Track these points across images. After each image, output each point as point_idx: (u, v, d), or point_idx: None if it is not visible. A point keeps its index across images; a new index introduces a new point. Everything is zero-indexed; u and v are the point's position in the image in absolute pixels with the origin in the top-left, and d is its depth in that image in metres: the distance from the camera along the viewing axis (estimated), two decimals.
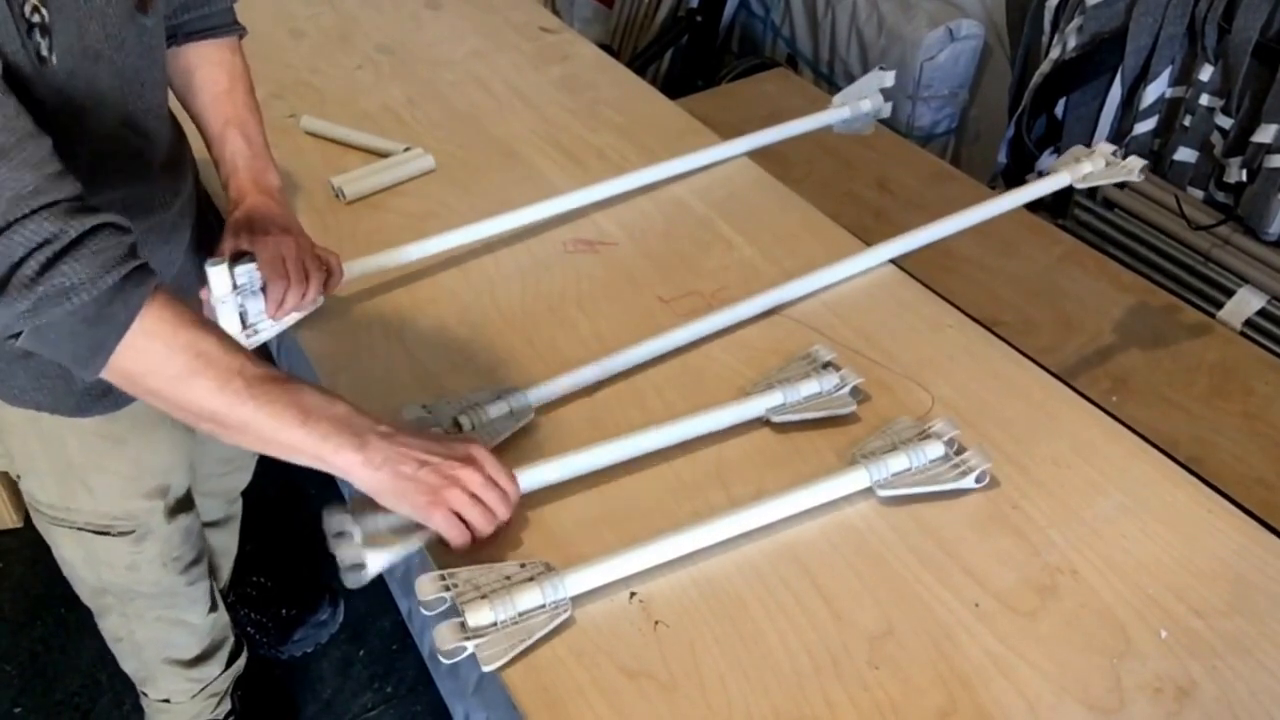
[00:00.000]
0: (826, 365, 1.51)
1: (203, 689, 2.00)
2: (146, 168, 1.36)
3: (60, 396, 1.41)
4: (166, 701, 2.00)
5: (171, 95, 1.48)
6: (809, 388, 1.47)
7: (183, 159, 1.50)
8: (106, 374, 1.11)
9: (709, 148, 2.00)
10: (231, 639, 2.04)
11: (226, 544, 2.23)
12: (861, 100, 2.08)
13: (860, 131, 2.07)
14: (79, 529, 1.62)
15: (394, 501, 1.21)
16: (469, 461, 1.23)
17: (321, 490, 2.64)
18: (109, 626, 1.84)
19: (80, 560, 1.69)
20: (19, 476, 1.61)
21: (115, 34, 1.20)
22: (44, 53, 1.10)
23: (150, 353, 1.08)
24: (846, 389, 1.47)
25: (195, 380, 1.08)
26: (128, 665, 1.95)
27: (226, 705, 2.11)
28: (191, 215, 1.51)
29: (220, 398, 1.10)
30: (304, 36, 2.39)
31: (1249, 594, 1.28)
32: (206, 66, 1.52)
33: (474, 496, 1.23)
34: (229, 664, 2.04)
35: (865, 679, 1.18)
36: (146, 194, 1.37)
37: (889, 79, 2.03)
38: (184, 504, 1.72)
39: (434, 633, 1.18)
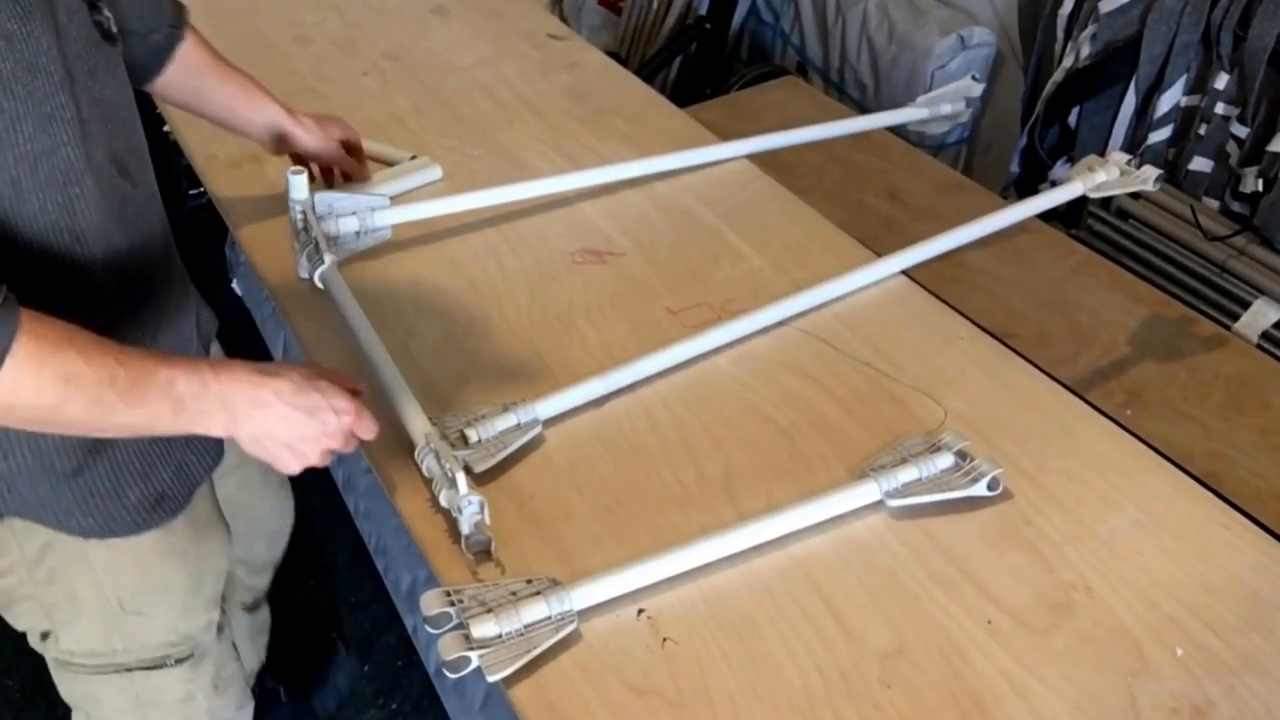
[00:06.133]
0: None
1: None
2: (142, 216, 1.32)
3: (111, 516, 1.34)
4: None
5: None
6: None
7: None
8: None
9: (718, 145, 2.02)
10: None
11: (265, 621, 2.09)
12: (942, 104, 2.17)
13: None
14: (127, 670, 1.52)
15: (260, 457, 1.22)
16: (334, 437, 1.23)
17: (337, 536, 2.63)
18: None
19: (126, 709, 1.57)
20: (49, 635, 1.48)
21: (84, 57, 1.16)
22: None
23: (20, 389, 1.01)
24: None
25: (68, 405, 1.04)
26: None
27: None
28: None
29: (95, 411, 1.06)
30: (310, 43, 2.38)
31: (1266, 611, 1.27)
32: (190, 57, 1.57)
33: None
34: None
35: (876, 698, 1.17)
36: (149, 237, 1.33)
37: (978, 89, 2.05)
38: (221, 610, 1.64)
39: (438, 643, 1.18)
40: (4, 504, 1.28)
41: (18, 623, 1.48)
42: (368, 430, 1.26)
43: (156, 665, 1.53)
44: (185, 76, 1.57)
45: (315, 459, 1.22)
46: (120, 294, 1.26)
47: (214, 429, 1.14)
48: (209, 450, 1.44)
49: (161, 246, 1.36)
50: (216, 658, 1.63)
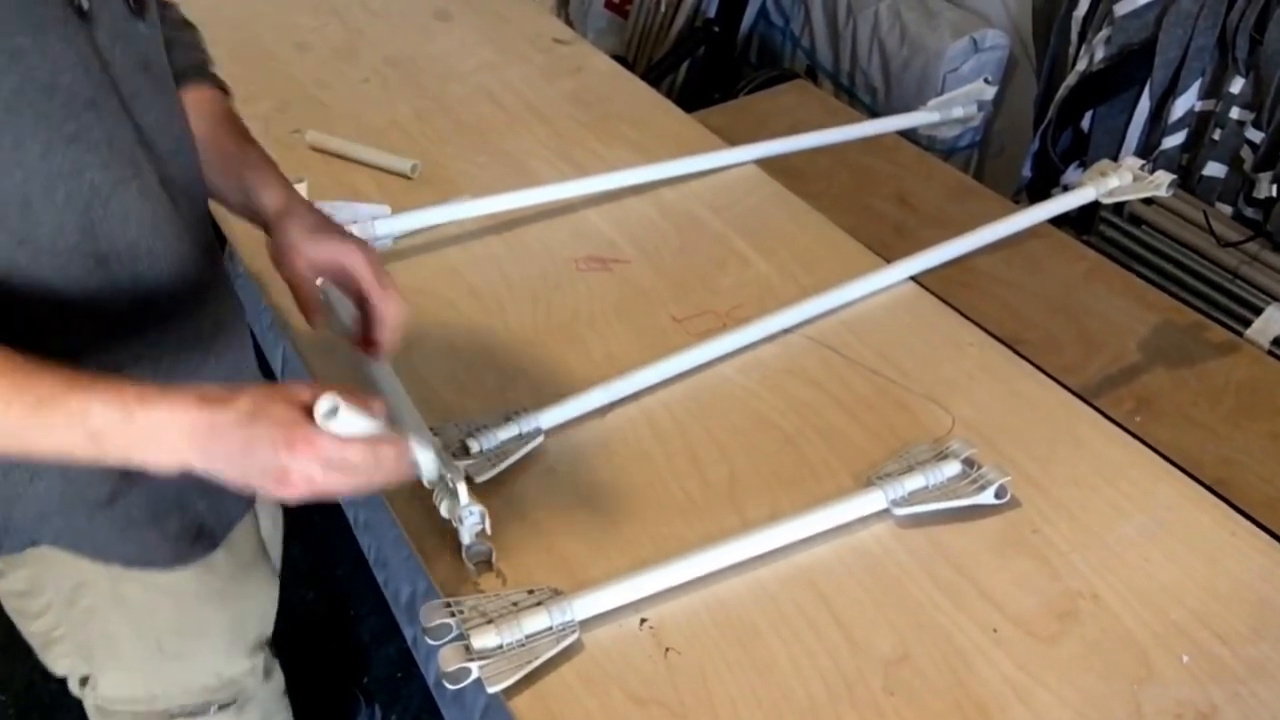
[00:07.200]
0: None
1: None
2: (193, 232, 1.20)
3: (151, 546, 1.25)
4: None
5: None
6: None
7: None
8: None
9: (726, 150, 2.03)
10: None
11: None
12: (954, 108, 2.20)
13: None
14: (170, 718, 1.44)
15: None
16: (290, 474, 1.00)
17: (337, 548, 2.61)
18: None
19: None
20: (89, 680, 1.40)
21: (126, 79, 1.07)
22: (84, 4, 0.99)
23: None
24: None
25: None
26: None
27: None
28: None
29: None
30: (310, 49, 2.38)
31: (1274, 619, 1.26)
32: (191, 111, 1.28)
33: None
34: None
35: (880, 706, 1.16)
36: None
37: (990, 93, 2.05)
38: (271, 655, 1.58)
39: (438, 654, 1.17)
40: (38, 533, 1.20)
41: (56, 666, 1.41)
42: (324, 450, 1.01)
43: (198, 712, 1.46)
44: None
45: (300, 489, 1.00)
46: (154, 322, 1.16)
47: (157, 462, 0.98)
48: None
49: (207, 274, 1.23)
50: (263, 705, 1.56)
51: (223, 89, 1.39)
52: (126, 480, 1.17)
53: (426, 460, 1.15)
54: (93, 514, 1.19)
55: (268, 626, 1.52)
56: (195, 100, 1.31)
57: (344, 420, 1.00)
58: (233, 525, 1.35)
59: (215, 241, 1.28)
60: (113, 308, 1.10)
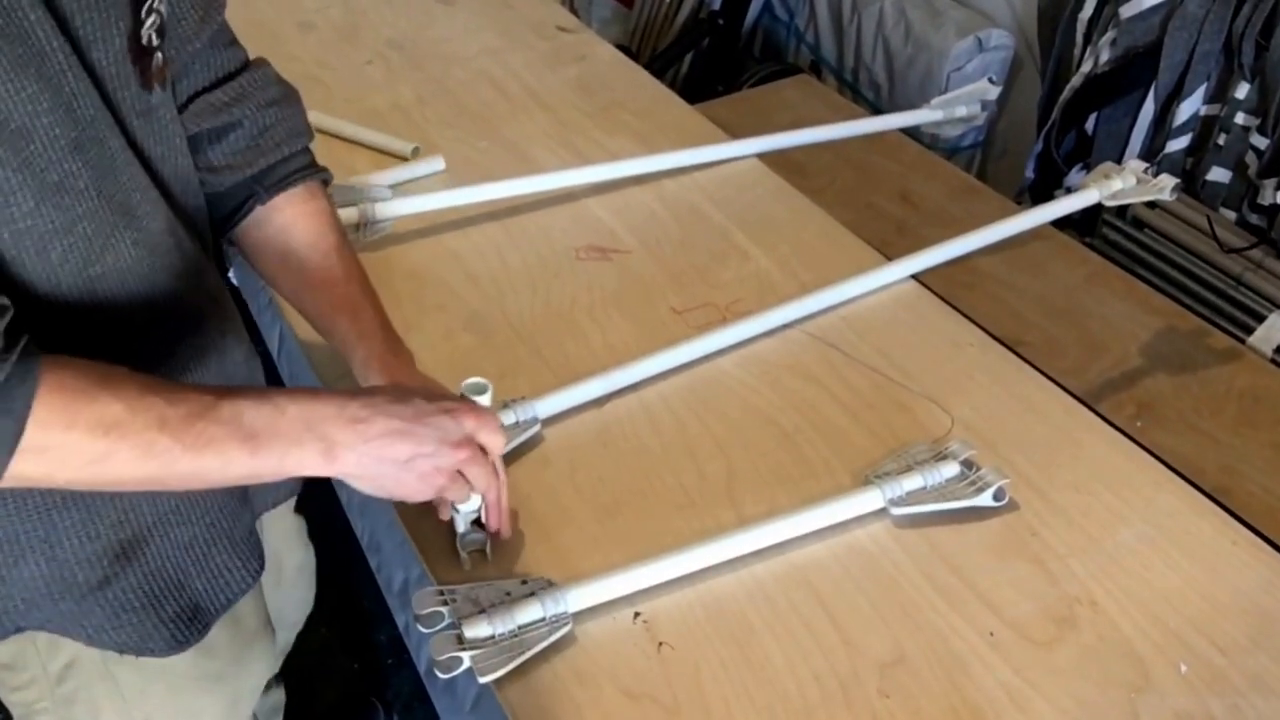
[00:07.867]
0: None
1: None
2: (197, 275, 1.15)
3: (147, 632, 1.17)
4: None
5: None
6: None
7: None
8: (4, 483, 0.88)
9: (728, 143, 2.02)
10: None
11: (279, 701, 1.83)
12: (958, 107, 2.20)
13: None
14: None
15: (380, 494, 1.07)
16: (461, 446, 1.05)
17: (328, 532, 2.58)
18: None
19: None
20: None
21: (128, 114, 1.01)
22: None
23: (51, 450, 0.87)
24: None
25: (114, 460, 0.89)
26: None
27: None
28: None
29: (150, 463, 0.91)
30: (313, 29, 2.37)
31: (1274, 630, 1.25)
32: (304, 222, 1.28)
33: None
34: None
35: (875, 708, 1.15)
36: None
37: (994, 93, 2.04)
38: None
39: (429, 643, 1.16)
40: (25, 619, 1.12)
41: None
42: (492, 432, 1.08)
43: None
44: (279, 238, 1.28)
45: (444, 480, 1.05)
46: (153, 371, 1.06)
47: (309, 462, 0.98)
48: (252, 555, 1.28)
49: (209, 316, 1.18)
50: None
51: (324, 179, 1.33)
52: (121, 562, 1.12)
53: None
54: (82, 599, 1.12)
55: (259, 692, 1.45)
56: (304, 215, 1.28)
57: (486, 400, 1.16)
58: (231, 603, 1.26)
59: (219, 278, 1.23)
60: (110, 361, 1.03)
